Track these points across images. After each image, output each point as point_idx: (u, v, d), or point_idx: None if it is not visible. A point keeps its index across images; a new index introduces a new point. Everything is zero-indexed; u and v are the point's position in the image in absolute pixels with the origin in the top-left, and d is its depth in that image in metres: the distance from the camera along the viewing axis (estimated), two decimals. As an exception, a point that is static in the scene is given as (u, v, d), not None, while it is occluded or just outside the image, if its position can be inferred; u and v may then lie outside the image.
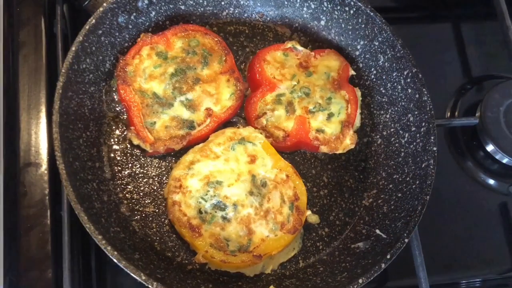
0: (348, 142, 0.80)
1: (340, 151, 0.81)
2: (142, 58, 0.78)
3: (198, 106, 0.78)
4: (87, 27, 0.74)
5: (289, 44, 0.84)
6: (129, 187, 0.76)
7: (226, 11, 0.88)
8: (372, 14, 0.82)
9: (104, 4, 0.76)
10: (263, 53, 0.83)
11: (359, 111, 0.83)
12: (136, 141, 0.76)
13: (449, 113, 0.98)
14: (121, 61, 0.78)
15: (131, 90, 0.77)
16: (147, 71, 0.78)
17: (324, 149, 0.80)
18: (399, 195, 0.78)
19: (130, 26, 0.81)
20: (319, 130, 0.80)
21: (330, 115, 0.81)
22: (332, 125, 0.80)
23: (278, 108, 0.80)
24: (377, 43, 0.84)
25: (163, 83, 0.78)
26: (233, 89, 0.80)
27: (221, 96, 0.79)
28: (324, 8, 0.87)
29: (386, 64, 0.84)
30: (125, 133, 0.79)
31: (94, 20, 0.75)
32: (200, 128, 0.77)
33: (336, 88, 0.83)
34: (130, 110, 0.76)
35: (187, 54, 0.80)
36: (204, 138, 0.78)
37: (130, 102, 0.77)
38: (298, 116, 0.80)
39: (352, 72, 0.86)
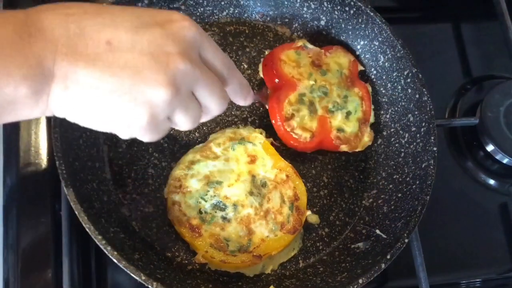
0: (366, 139, 0.81)
1: (359, 149, 0.81)
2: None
3: None
4: (87, 27, 0.74)
5: (299, 43, 0.84)
6: (129, 187, 0.76)
7: (226, 11, 0.88)
8: (372, 14, 0.82)
9: (104, 4, 0.76)
10: (277, 52, 0.82)
11: (372, 106, 0.83)
12: None
13: (449, 113, 0.98)
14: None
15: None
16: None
17: (344, 148, 0.80)
18: (399, 195, 0.78)
19: (130, 26, 0.81)
20: (339, 130, 0.80)
21: (348, 114, 0.81)
22: (351, 123, 0.81)
23: (302, 109, 0.79)
24: (377, 43, 0.84)
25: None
26: None
27: None
28: (324, 8, 0.87)
29: (386, 64, 0.84)
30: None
31: (94, 20, 0.75)
32: None
33: (350, 86, 0.82)
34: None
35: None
36: None
37: None
38: (320, 116, 0.79)
39: (360, 67, 0.86)
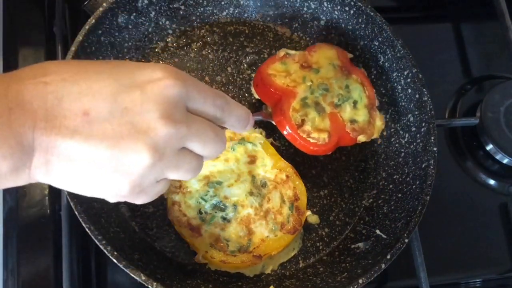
0: (379, 123, 0.80)
1: (375, 136, 0.80)
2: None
3: None
4: (87, 27, 0.74)
5: (281, 53, 0.82)
6: (129, 187, 0.76)
7: (226, 11, 0.88)
8: (372, 14, 0.82)
9: (104, 4, 0.76)
10: (263, 69, 0.80)
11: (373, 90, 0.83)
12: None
13: (449, 113, 0.98)
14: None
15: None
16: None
17: (362, 138, 0.79)
18: (399, 195, 0.78)
19: (130, 26, 0.81)
20: (352, 121, 0.78)
21: (355, 103, 0.80)
22: (361, 112, 0.79)
23: (310, 112, 0.77)
24: (377, 43, 0.84)
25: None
26: None
27: None
28: (324, 8, 0.87)
29: (386, 64, 0.84)
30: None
31: (94, 20, 0.75)
32: None
33: (347, 74, 0.81)
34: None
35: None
36: None
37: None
38: (329, 113, 0.78)
39: (350, 55, 0.85)
